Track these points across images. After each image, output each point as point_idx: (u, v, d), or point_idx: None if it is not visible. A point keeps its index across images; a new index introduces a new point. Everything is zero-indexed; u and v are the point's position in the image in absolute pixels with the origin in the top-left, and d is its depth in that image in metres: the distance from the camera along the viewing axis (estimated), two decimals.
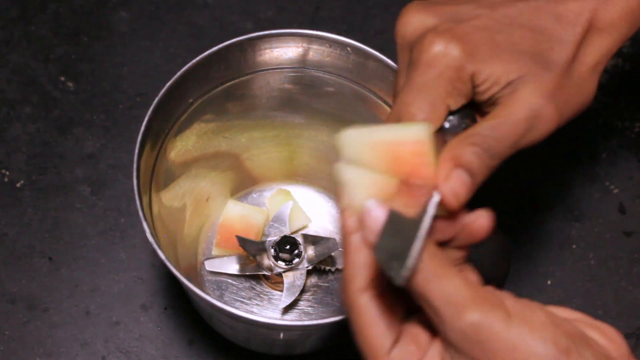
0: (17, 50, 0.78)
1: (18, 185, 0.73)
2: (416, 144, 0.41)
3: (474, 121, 0.47)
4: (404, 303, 0.42)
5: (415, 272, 0.39)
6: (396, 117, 0.46)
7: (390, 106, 0.61)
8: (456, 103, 0.45)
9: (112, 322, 0.68)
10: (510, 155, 0.45)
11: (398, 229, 0.39)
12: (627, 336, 0.69)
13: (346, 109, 0.64)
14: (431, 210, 0.41)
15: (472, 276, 0.44)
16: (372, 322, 0.41)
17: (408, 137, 0.41)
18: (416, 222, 0.40)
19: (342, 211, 0.42)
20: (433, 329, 0.41)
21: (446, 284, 0.39)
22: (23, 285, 0.69)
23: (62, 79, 0.77)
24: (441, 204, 0.42)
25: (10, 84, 0.77)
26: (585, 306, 0.70)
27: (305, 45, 0.60)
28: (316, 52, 0.61)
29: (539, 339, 0.38)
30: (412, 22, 0.47)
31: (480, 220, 0.43)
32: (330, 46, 0.60)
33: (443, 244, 0.43)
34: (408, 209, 0.41)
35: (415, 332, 0.42)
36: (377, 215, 0.40)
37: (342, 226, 0.42)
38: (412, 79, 0.45)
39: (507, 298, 0.39)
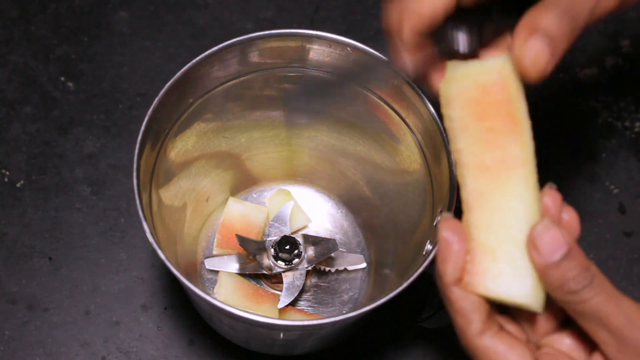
0: (17, 50, 0.78)
1: (18, 185, 0.73)
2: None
3: (481, 42, 0.44)
4: (546, 323, 0.42)
5: (594, 295, 0.38)
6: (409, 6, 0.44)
7: (390, 106, 0.61)
8: None
9: (112, 322, 0.68)
10: (589, 25, 0.42)
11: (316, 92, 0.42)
12: None
13: (346, 109, 0.64)
14: None
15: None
16: (505, 357, 0.41)
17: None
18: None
19: (441, 261, 0.42)
20: (584, 347, 0.42)
21: (625, 307, 0.39)
22: (23, 285, 0.69)
23: (62, 79, 0.77)
24: (525, 75, 0.41)
25: (10, 84, 0.77)
26: None
27: (305, 45, 0.60)
28: (316, 52, 0.61)
29: None
30: None
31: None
32: (330, 46, 0.60)
33: None
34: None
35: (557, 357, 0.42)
36: (553, 240, 0.39)
37: (441, 277, 0.41)
38: None
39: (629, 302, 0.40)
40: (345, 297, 0.69)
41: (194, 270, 0.69)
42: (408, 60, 0.43)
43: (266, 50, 0.60)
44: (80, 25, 0.80)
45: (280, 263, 0.66)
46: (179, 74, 0.58)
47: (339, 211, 0.73)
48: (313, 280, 0.69)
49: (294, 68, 0.62)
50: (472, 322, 0.41)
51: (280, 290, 0.67)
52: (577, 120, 0.77)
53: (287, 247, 0.66)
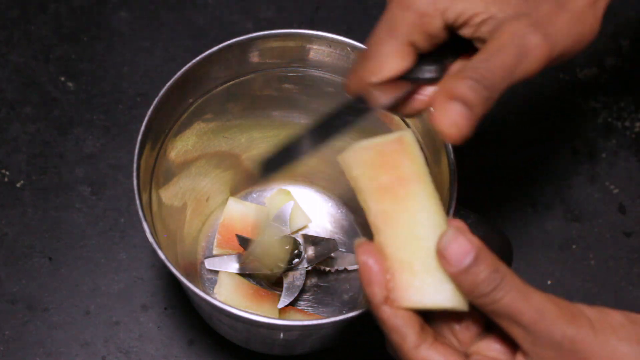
0: (17, 50, 0.78)
1: (18, 185, 0.73)
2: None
3: (443, 70, 0.47)
4: (468, 330, 0.44)
5: (504, 294, 0.40)
6: (364, 54, 0.46)
7: None
8: (423, 41, 0.45)
9: (112, 322, 0.68)
10: (508, 88, 0.45)
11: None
12: None
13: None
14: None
15: None
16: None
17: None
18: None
19: (366, 285, 0.43)
20: (509, 347, 0.43)
21: (535, 301, 0.40)
22: (23, 285, 0.69)
23: (62, 79, 0.77)
24: (444, 137, 0.43)
25: (10, 84, 0.77)
26: None
27: (305, 45, 0.60)
28: (316, 52, 0.60)
29: (623, 340, 0.40)
30: None
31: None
32: (330, 46, 0.60)
33: None
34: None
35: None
36: (460, 247, 0.41)
37: (370, 300, 0.43)
38: (384, 14, 0.46)
39: (584, 307, 0.41)
40: (345, 297, 0.69)
41: (194, 270, 0.69)
42: (381, 99, 0.46)
43: (266, 50, 0.60)
44: (80, 25, 0.80)
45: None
46: (179, 74, 0.58)
47: (339, 211, 0.73)
48: (313, 280, 0.69)
49: (294, 68, 0.62)
50: (406, 337, 0.42)
51: (280, 290, 0.67)
52: (577, 120, 0.77)
53: (287, 247, 0.66)
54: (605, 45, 0.80)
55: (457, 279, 0.41)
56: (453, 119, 0.42)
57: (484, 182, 0.74)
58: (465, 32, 0.45)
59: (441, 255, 0.41)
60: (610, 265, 0.72)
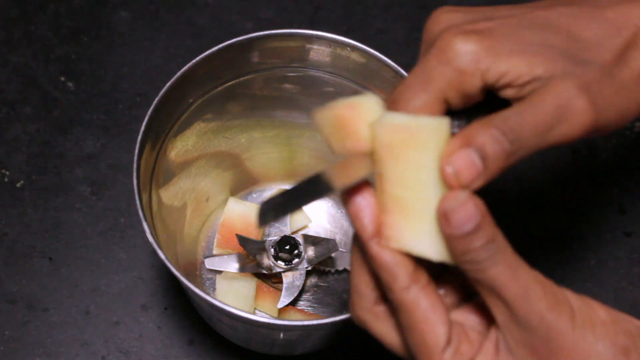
0: (17, 50, 0.78)
1: (18, 185, 0.73)
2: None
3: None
4: (445, 297, 0.42)
5: (492, 265, 0.38)
6: (392, 99, 0.43)
7: None
8: (457, 98, 0.42)
9: (112, 322, 0.68)
10: (539, 149, 0.41)
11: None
12: None
13: None
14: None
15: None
16: (425, 317, 0.40)
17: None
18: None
19: (354, 218, 0.41)
20: (485, 320, 0.42)
21: (522, 279, 0.39)
22: (23, 285, 0.69)
23: (62, 79, 0.77)
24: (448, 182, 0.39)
25: (10, 84, 0.77)
26: None
27: (305, 45, 0.60)
28: (316, 52, 0.61)
29: (600, 338, 0.39)
30: (441, 19, 0.44)
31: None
32: (330, 46, 0.60)
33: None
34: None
35: (464, 329, 0.42)
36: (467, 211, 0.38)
37: (359, 233, 0.41)
38: (421, 63, 0.43)
39: (570, 295, 0.40)
40: (345, 297, 0.69)
41: (194, 270, 0.69)
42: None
43: (266, 50, 0.60)
44: (80, 25, 0.80)
45: (280, 263, 0.66)
46: (179, 74, 0.58)
47: (339, 211, 0.73)
48: (313, 280, 0.69)
49: (294, 68, 0.62)
50: (397, 276, 0.40)
51: (280, 290, 0.67)
52: None
53: (287, 247, 0.66)
54: None
55: (452, 241, 0.39)
56: (459, 165, 0.39)
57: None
58: (508, 93, 0.42)
59: (444, 215, 0.38)
60: (610, 265, 0.72)
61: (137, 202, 0.54)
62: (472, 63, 0.41)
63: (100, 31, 0.79)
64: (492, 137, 0.39)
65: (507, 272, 0.39)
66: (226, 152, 0.68)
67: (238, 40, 0.59)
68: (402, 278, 0.40)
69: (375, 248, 0.41)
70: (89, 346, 0.67)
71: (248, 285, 0.67)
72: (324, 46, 0.60)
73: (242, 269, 0.67)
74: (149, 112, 0.56)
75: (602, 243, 0.72)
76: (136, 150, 0.55)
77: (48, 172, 0.73)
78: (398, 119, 0.40)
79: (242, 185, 0.72)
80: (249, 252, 0.66)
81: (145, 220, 0.53)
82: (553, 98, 0.40)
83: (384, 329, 0.44)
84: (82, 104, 0.76)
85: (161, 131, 0.59)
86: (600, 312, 0.40)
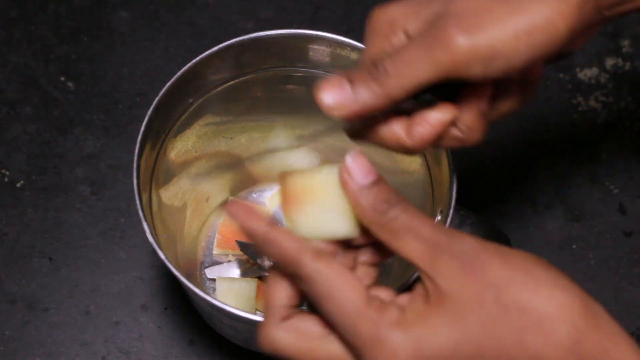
0: (17, 50, 0.78)
1: (18, 185, 0.73)
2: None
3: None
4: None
5: (402, 212, 0.40)
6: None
7: None
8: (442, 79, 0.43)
9: (112, 322, 0.68)
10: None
11: None
12: None
13: None
14: None
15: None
16: (337, 281, 0.40)
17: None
18: None
19: (244, 222, 0.42)
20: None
21: (427, 219, 0.40)
22: (23, 285, 0.69)
23: (62, 79, 0.77)
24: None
25: (10, 84, 0.77)
26: None
27: (305, 45, 0.60)
28: (316, 52, 0.60)
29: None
30: (387, 10, 0.48)
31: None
32: (330, 46, 0.60)
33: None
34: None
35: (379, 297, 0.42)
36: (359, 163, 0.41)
37: (254, 232, 0.42)
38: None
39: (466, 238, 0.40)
40: None
41: (194, 271, 0.69)
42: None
43: (266, 50, 0.60)
44: (80, 25, 0.80)
45: None
46: (179, 74, 0.57)
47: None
48: None
49: (293, 68, 0.62)
50: (305, 251, 0.41)
51: None
52: (577, 120, 0.77)
53: None
54: (605, 45, 0.80)
55: (358, 195, 0.41)
56: (331, 92, 0.43)
57: (484, 182, 0.74)
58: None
59: (346, 170, 0.41)
60: (610, 265, 0.72)
61: (137, 202, 0.54)
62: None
63: (100, 31, 0.79)
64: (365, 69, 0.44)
65: (417, 216, 0.40)
66: (226, 152, 0.68)
67: (238, 40, 0.59)
68: (308, 252, 0.41)
69: (276, 232, 0.41)
70: (89, 346, 0.67)
71: (249, 287, 0.67)
72: (324, 46, 0.60)
73: (244, 274, 0.67)
74: (149, 112, 0.56)
75: (602, 243, 0.72)
76: (136, 150, 0.55)
77: (48, 172, 0.73)
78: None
79: (242, 185, 0.72)
80: (250, 256, 0.66)
81: (145, 220, 0.53)
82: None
83: (304, 340, 0.42)
84: (82, 104, 0.76)
85: (161, 131, 0.59)
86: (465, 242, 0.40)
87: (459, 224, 0.57)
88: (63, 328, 0.68)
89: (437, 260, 0.39)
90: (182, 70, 0.58)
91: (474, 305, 0.38)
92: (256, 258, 0.66)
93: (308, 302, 0.42)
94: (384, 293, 0.42)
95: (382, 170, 0.66)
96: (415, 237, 0.40)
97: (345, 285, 0.40)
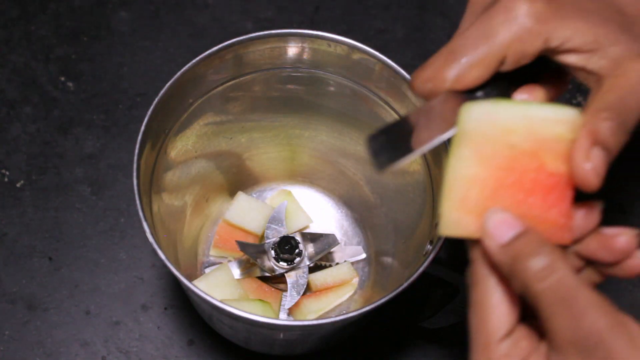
0: (17, 50, 0.78)
1: (18, 185, 0.73)
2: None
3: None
4: (520, 306, 0.42)
5: (548, 275, 0.39)
6: (450, 49, 0.43)
7: (390, 106, 0.61)
8: (514, 58, 0.43)
9: (112, 322, 0.68)
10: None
11: (401, 135, 0.42)
12: None
13: (346, 109, 0.64)
14: (444, 137, 0.41)
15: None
16: (496, 304, 0.40)
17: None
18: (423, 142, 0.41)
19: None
20: (536, 334, 0.41)
21: (584, 296, 0.39)
22: (23, 285, 0.69)
23: (62, 79, 0.77)
24: (579, 185, 0.42)
25: (10, 84, 0.77)
26: None
27: (305, 45, 0.60)
28: (316, 52, 0.61)
29: None
30: None
31: (622, 238, 0.43)
32: (330, 46, 0.60)
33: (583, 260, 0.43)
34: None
35: (528, 332, 0.41)
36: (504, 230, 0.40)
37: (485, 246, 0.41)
38: (484, 18, 0.43)
39: (628, 320, 0.39)
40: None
41: (194, 271, 0.69)
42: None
43: (266, 50, 0.60)
44: (80, 25, 0.80)
45: (282, 264, 0.66)
46: (179, 74, 0.58)
47: (340, 211, 0.73)
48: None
49: (293, 68, 0.62)
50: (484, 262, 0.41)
51: (283, 290, 0.68)
52: None
53: (287, 247, 0.66)
54: None
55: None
56: (596, 165, 0.41)
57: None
58: (569, 59, 0.43)
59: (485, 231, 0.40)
60: None
61: (137, 202, 0.54)
62: (538, 23, 0.42)
63: (100, 31, 0.80)
64: (611, 130, 0.41)
65: (575, 280, 0.39)
66: (226, 152, 0.68)
67: (238, 40, 0.59)
68: (486, 268, 0.41)
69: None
70: (89, 346, 0.67)
71: (222, 273, 0.66)
72: (324, 46, 0.60)
73: (244, 274, 0.68)
74: (149, 112, 0.56)
75: None
76: (136, 150, 0.55)
77: (48, 172, 0.73)
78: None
79: (242, 185, 0.72)
80: (250, 256, 0.66)
81: (145, 220, 0.53)
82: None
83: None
84: (82, 104, 0.76)
85: (161, 131, 0.59)
86: None
87: None
88: (63, 328, 0.68)
89: (565, 344, 0.38)
90: (182, 70, 0.58)
91: None
92: (256, 258, 0.66)
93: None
94: (525, 342, 0.41)
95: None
96: (568, 309, 0.38)
97: (493, 313, 0.40)
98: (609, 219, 0.73)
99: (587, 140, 0.41)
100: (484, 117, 0.40)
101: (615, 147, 0.42)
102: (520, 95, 0.45)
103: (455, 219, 0.41)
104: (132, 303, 0.69)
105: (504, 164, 0.40)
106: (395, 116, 0.61)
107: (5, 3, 0.80)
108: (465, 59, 0.42)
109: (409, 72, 0.58)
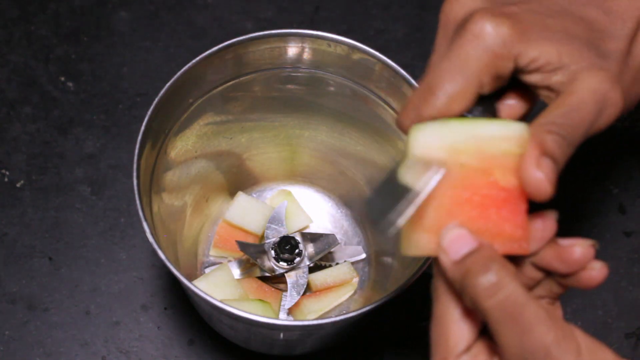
0: (17, 50, 0.78)
1: (18, 185, 0.73)
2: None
3: (494, 116, 0.46)
4: (481, 321, 0.42)
5: (496, 292, 0.39)
6: (427, 86, 0.44)
7: (390, 106, 0.61)
8: (490, 83, 0.44)
9: (112, 322, 0.68)
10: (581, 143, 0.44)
11: (394, 191, 0.41)
12: (627, 336, 0.69)
13: (346, 109, 0.64)
14: (433, 182, 0.41)
15: (559, 312, 0.44)
16: (456, 319, 0.41)
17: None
18: (416, 191, 0.41)
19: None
20: (490, 349, 0.42)
21: (530, 310, 0.39)
22: (23, 285, 0.69)
23: (62, 79, 0.77)
24: (532, 195, 0.42)
25: (10, 84, 0.77)
26: (585, 306, 0.70)
27: (305, 45, 0.60)
28: (316, 52, 0.61)
29: None
30: (461, 2, 0.45)
31: (577, 249, 0.44)
32: (330, 46, 0.60)
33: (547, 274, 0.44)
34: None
35: (486, 347, 0.42)
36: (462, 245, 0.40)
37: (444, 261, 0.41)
38: (454, 48, 0.44)
39: (579, 333, 0.40)
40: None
41: (194, 271, 0.69)
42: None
43: (266, 50, 0.60)
44: (80, 25, 0.80)
45: (282, 264, 0.66)
46: (179, 74, 0.58)
47: (339, 211, 0.73)
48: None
49: (294, 68, 0.62)
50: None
51: (282, 290, 0.67)
52: None
53: (287, 247, 0.66)
54: None
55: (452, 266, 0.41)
56: (547, 173, 0.42)
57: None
58: (533, 79, 0.44)
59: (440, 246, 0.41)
60: (610, 265, 0.71)
61: (137, 202, 0.54)
62: (506, 47, 0.43)
63: (100, 31, 0.79)
64: (557, 143, 0.42)
65: (517, 301, 0.39)
66: (226, 152, 0.68)
67: (238, 41, 0.59)
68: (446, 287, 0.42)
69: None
70: (89, 346, 0.67)
71: (222, 273, 0.66)
72: (324, 46, 0.60)
73: (244, 274, 0.67)
74: (149, 112, 0.56)
75: (602, 243, 0.72)
76: (136, 150, 0.55)
77: (48, 172, 0.73)
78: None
79: (242, 185, 0.72)
80: (250, 256, 0.66)
81: (145, 220, 0.53)
82: (592, 96, 0.43)
83: None
84: (82, 104, 0.76)
85: (161, 131, 0.59)
86: (608, 354, 0.39)
87: None
88: (63, 328, 0.68)
89: (514, 357, 0.39)
90: (182, 70, 0.58)
91: None
92: (256, 258, 0.66)
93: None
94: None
95: (383, 170, 0.67)
96: (507, 327, 0.39)
97: (455, 325, 0.41)
98: (608, 219, 0.73)
99: (536, 150, 0.42)
100: (431, 140, 0.42)
101: (561, 159, 0.43)
102: (508, 101, 0.46)
103: (415, 238, 0.42)
104: (132, 303, 0.69)
105: (456, 182, 0.41)
106: (395, 116, 0.61)
107: (5, 3, 0.80)
108: (443, 94, 0.43)
109: (409, 72, 0.58)
